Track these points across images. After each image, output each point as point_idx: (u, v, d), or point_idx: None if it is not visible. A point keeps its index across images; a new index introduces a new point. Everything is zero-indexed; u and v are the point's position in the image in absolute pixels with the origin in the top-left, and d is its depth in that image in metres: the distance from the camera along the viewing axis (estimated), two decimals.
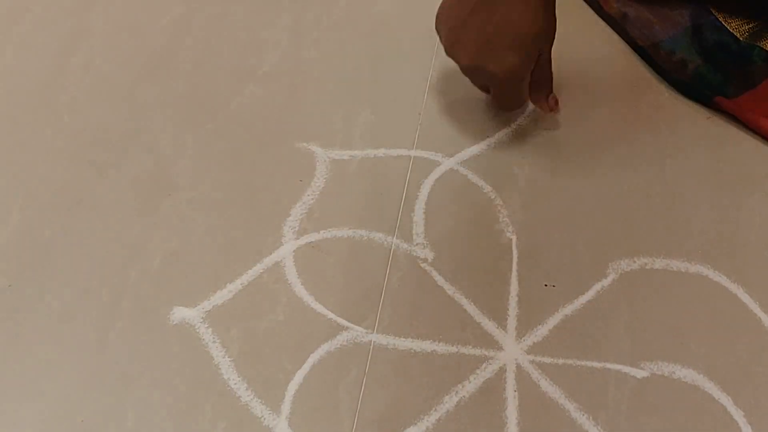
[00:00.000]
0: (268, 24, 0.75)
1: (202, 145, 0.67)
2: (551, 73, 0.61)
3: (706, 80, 0.68)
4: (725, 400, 0.55)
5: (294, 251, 0.61)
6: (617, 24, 0.73)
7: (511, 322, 0.58)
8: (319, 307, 0.58)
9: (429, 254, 0.61)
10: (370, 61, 0.73)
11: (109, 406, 0.54)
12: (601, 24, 0.74)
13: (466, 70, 0.59)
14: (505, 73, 0.56)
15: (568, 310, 0.59)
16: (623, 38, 0.73)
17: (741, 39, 0.68)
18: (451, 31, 0.57)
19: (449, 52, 0.59)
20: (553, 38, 0.60)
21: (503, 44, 0.55)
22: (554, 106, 0.63)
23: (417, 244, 0.62)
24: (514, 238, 0.62)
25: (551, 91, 0.62)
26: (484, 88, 0.64)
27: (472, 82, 0.63)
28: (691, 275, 0.60)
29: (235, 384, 0.55)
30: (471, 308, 0.59)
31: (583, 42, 0.73)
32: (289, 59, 0.72)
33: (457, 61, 0.59)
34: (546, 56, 0.59)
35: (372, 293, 0.59)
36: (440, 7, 0.59)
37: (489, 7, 0.54)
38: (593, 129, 0.66)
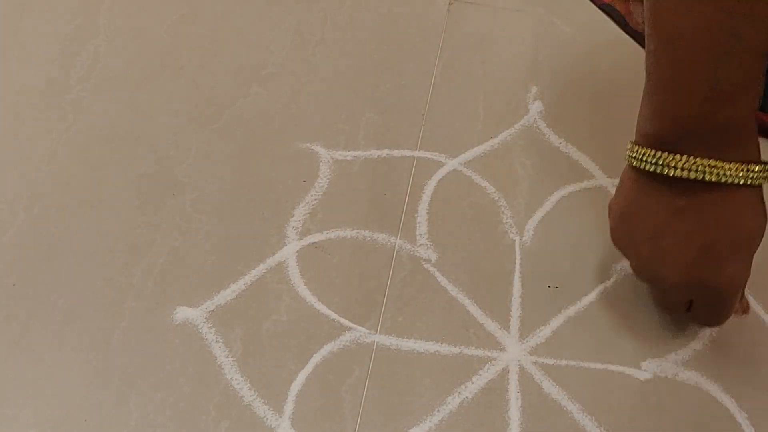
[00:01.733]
0: (273, 24, 0.75)
1: (205, 145, 0.67)
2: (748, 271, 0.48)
3: None
4: (729, 403, 0.55)
5: (297, 251, 0.61)
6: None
7: (514, 323, 0.58)
8: (322, 308, 0.58)
9: (432, 255, 0.61)
10: (374, 61, 0.73)
11: (112, 406, 0.54)
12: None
13: (674, 288, 0.48)
14: (729, 286, 0.46)
15: (571, 311, 0.59)
16: None
17: None
18: (646, 245, 0.46)
19: (646, 272, 0.49)
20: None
21: (725, 251, 0.44)
22: (746, 309, 0.54)
23: (420, 245, 0.62)
24: (517, 239, 0.62)
25: (743, 293, 0.51)
26: (682, 306, 0.52)
27: (668, 298, 0.52)
28: None
29: (238, 384, 0.55)
30: (474, 309, 0.59)
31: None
32: (293, 60, 0.72)
33: (660, 280, 0.48)
34: None
35: (375, 294, 0.59)
36: (613, 221, 0.49)
37: (697, 209, 0.43)
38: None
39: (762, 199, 0.44)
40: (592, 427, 0.54)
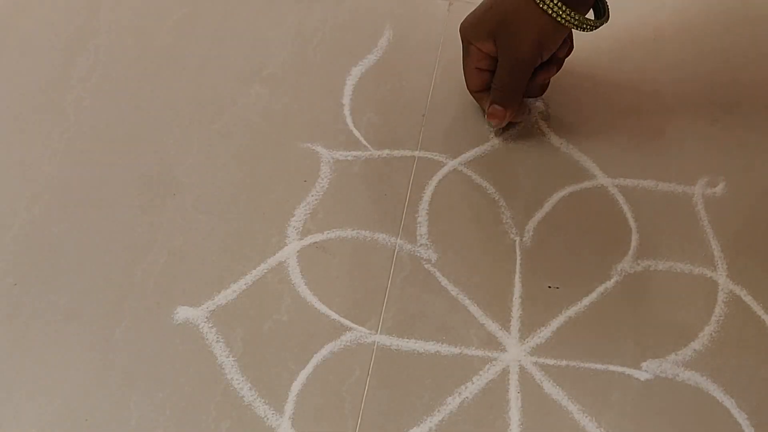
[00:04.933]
0: (274, 24, 0.75)
1: (206, 145, 0.67)
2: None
3: None
4: (729, 403, 0.55)
5: (298, 251, 0.61)
6: None
7: (515, 323, 0.58)
8: (322, 308, 0.58)
9: (433, 255, 0.61)
10: (375, 61, 0.73)
11: (113, 406, 0.54)
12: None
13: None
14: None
15: (571, 311, 0.59)
16: None
17: None
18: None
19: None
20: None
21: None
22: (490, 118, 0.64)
23: (421, 245, 0.62)
24: (517, 239, 0.62)
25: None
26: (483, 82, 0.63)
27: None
28: (694, 277, 0.60)
29: (239, 384, 0.55)
30: (474, 309, 0.59)
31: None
32: (294, 60, 0.72)
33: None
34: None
35: (376, 294, 0.59)
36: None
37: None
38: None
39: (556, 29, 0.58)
40: (592, 427, 0.54)
